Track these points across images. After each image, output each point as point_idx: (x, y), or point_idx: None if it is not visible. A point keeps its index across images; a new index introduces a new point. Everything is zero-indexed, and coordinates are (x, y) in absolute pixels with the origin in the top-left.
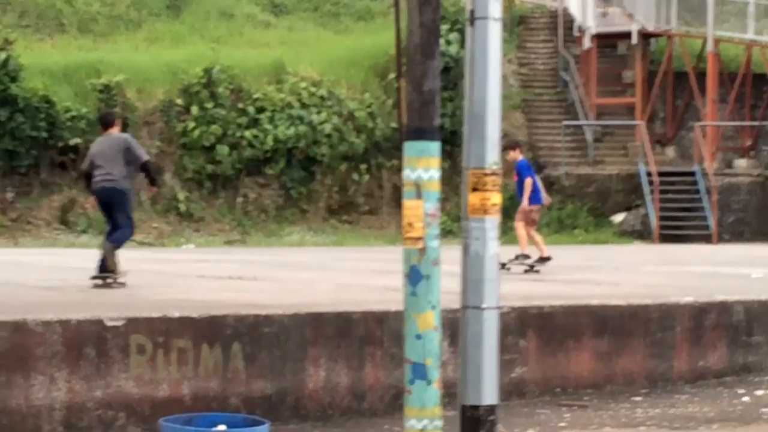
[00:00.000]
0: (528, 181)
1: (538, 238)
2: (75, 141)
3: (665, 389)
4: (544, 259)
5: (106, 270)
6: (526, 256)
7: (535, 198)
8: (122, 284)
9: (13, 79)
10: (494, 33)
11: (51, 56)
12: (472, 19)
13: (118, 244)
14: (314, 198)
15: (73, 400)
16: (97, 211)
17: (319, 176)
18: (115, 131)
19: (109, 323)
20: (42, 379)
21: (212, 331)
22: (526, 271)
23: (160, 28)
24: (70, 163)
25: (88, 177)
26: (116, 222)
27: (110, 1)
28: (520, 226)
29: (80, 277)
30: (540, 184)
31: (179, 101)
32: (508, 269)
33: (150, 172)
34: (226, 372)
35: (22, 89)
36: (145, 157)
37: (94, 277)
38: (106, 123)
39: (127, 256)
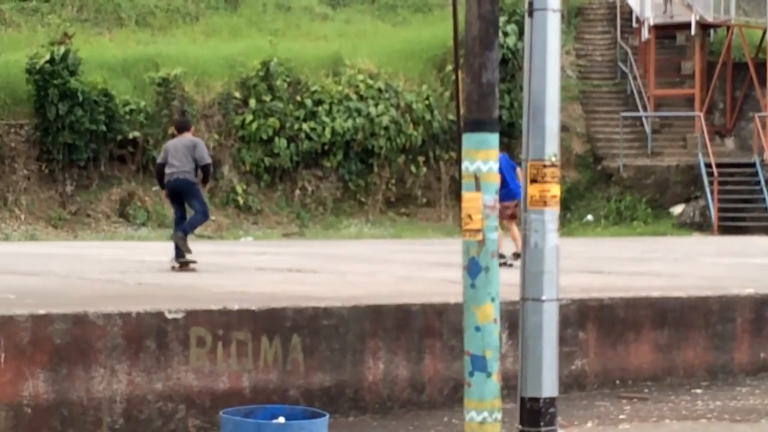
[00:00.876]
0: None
1: (517, 233)
2: (134, 134)
3: (726, 382)
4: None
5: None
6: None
7: (505, 194)
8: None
9: (72, 73)
10: (553, 24)
11: (109, 50)
12: (531, 11)
13: (191, 228)
14: (372, 190)
15: (133, 392)
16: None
17: (377, 169)
18: (188, 135)
19: (170, 316)
20: (103, 371)
21: (272, 323)
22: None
23: (218, 21)
24: (128, 156)
25: (161, 170)
26: (191, 208)
27: None
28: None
29: (140, 270)
30: (519, 178)
31: (237, 94)
32: (510, 265)
33: (207, 174)
34: (286, 364)
35: (81, 83)
36: (208, 160)
37: (178, 261)
38: (181, 127)
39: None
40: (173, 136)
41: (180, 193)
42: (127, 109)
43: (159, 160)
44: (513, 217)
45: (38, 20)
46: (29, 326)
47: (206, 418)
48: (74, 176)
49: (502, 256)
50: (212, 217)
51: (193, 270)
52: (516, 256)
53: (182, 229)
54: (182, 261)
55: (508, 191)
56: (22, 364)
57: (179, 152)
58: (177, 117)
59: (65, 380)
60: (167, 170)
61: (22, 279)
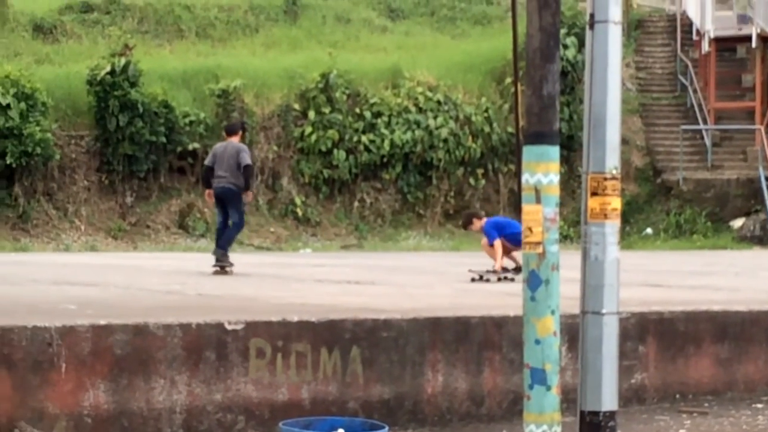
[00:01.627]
0: (497, 244)
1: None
2: (193, 146)
3: None
4: (517, 270)
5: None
6: (505, 269)
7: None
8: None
9: (133, 85)
10: (614, 36)
11: (170, 61)
12: (592, 23)
13: (229, 243)
14: (430, 203)
15: (193, 403)
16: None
17: (436, 181)
18: (235, 139)
19: (229, 327)
20: (162, 382)
21: (331, 335)
22: (499, 279)
23: (278, 33)
24: (188, 167)
25: (208, 172)
26: (229, 216)
27: (228, 6)
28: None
29: (199, 282)
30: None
31: (296, 106)
32: (512, 279)
33: (247, 177)
34: (345, 376)
35: (142, 94)
36: (247, 161)
37: (216, 266)
38: (230, 131)
39: (245, 261)
40: (223, 138)
41: (224, 201)
42: (186, 120)
43: (207, 162)
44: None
45: (99, 32)
46: (90, 337)
47: (265, 430)
48: (134, 187)
49: (505, 269)
50: (271, 229)
51: (230, 273)
52: (517, 270)
53: (221, 246)
54: (220, 264)
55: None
56: (83, 374)
57: (225, 159)
58: (228, 121)
59: (125, 391)
60: (215, 178)
61: (82, 290)
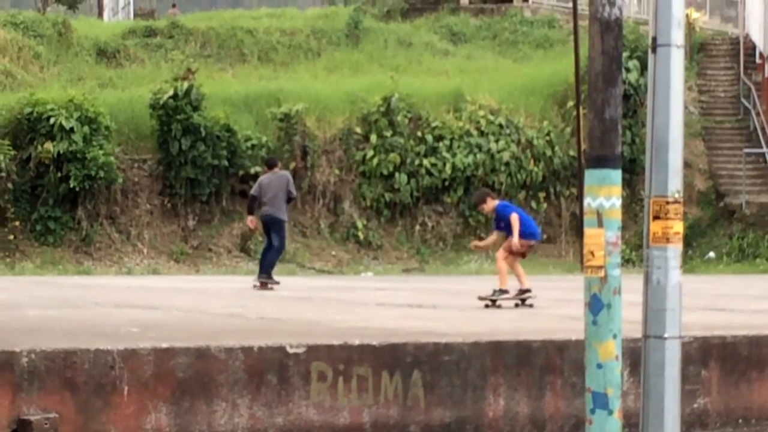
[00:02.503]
0: (514, 216)
1: (521, 270)
2: (255, 169)
3: None
4: (524, 291)
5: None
6: (504, 291)
7: (530, 233)
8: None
9: (195, 108)
10: (676, 60)
11: (232, 85)
12: (654, 47)
13: (271, 267)
14: (492, 226)
15: (254, 426)
16: (256, 230)
17: None
18: (277, 170)
19: (291, 350)
20: (224, 405)
21: (392, 358)
22: (516, 305)
23: (339, 57)
24: (250, 191)
25: (253, 200)
26: (272, 241)
27: (290, 30)
28: (501, 258)
29: (260, 305)
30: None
31: (358, 129)
32: (499, 306)
33: (290, 202)
34: (406, 400)
35: (204, 118)
36: (294, 194)
37: (259, 281)
38: (271, 164)
39: (307, 284)
40: (264, 172)
41: (271, 227)
42: (248, 144)
43: (252, 192)
44: (523, 255)
45: (162, 56)
46: (152, 359)
47: None
48: (196, 211)
49: (504, 291)
50: (333, 252)
51: (272, 289)
52: (522, 292)
53: (265, 270)
54: (263, 281)
55: (533, 230)
56: (145, 397)
57: (274, 188)
58: (267, 157)
59: (187, 414)
60: (263, 207)
61: (144, 313)
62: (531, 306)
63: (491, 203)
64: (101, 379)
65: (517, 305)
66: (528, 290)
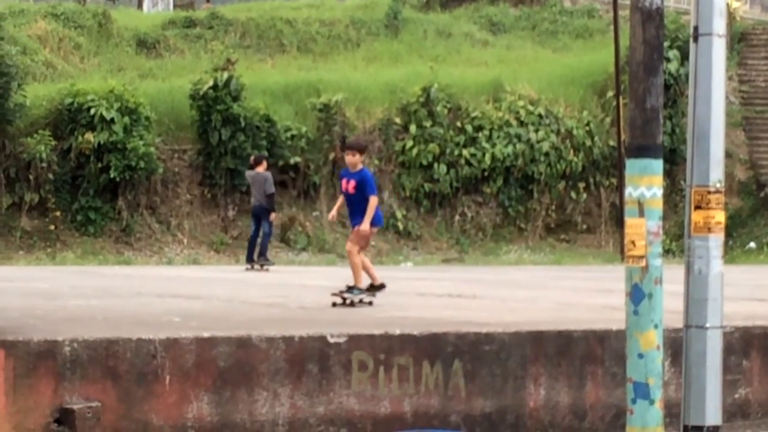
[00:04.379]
0: (373, 200)
1: (368, 263)
2: (295, 160)
3: None
4: (377, 288)
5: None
6: (362, 291)
7: (379, 218)
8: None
9: (235, 99)
10: (718, 49)
11: (271, 76)
12: (696, 36)
13: (266, 249)
14: (532, 216)
15: (295, 415)
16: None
17: (537, 194)
18: (261, 169)
19: (332, 340)
20: (265, 394)
21: (433, 348)
22: (361, 301)
23: (379, 48)
24: (290, 181)
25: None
26: (263, 227)
27: (329, 21)
28: (354, 253)
29: (301, 294)
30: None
31: (397, 120)
32: (352, 304)
33: (270, 201)
34: (447, 389)
35: (244, 108)
36: (271, 190)
37: (259, 263)
38: (257, 162)
39: (347, 274)
40: (251, 167)
41: (260, 216)
42: (288, 134)
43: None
44: (367, 245)
45: (201, 47)
46: (194, 349)
47: None
48: (236, 201)
49: (372, 288)
50: (372, 243)
51: (267, 270)
52: (374, 288)
53: (262, 254)
54: (262, 263)
55: (378, 215)
56: (187, 386)
57: (256, 185)
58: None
59: (229, 403)
60: (252, 199)
61: (185, 302)
62: (370, 304)
63: (359, 159)
64: (143, 368)
65: (371, 303)
66: (383, 285)
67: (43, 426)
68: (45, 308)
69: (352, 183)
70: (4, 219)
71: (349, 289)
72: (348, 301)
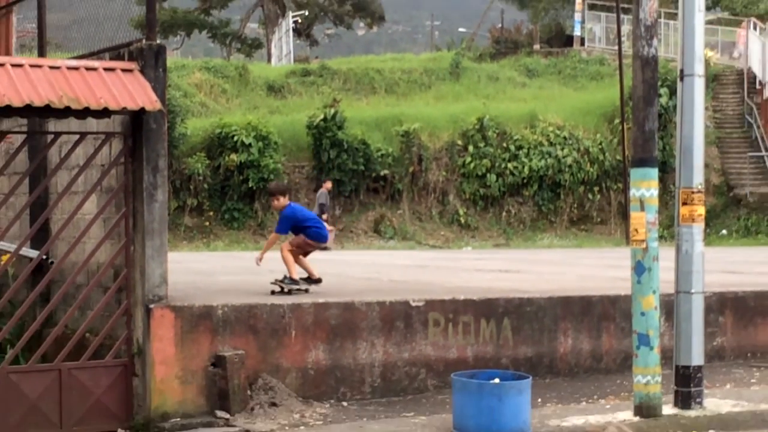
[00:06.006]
0: (272, 236)
1: (306, 262)
2: (384, 172)
3: None
4: (314, 281)
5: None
6: (294, 281)
7: (319, 235)
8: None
9: (339, 128)
10: (699, 86)
11: (366, 111)
12: (682, 76)
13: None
14: (559, 212)
15: (387, 360)
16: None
17: (563, 196)
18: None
19: (414, 303)
20: (365, 344)
21: (488, 309)
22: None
23: (444, 89)
24: (380, 188)
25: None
26: None
27: (408, 69)
28: (285, 249)
29: (390, 271)
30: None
31: (459, 142)
32: (306, 290)
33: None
34: (499, 340)
35: (346, 135)
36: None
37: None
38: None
39: (424, 256)
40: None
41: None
42: (379, 153)
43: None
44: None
45: (314, 90)
46: (312, 311)
47: (440, 380)
48: (341, 203)
49: (307, 280)
50: (442, 232)
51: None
52: (310, 280)
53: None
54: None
55: (322, 233)
56: (308, 338)
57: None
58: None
59: (338, 351)
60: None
61: None
62: (306, 291)
63: (283, 201)
64: (275, 325)
65: (307, 290)
66: (319, 280)
67: (203, 368)
68: (203, 282)
69: (284, 223)
70: (171, 218)
71: (284, 278)
72: (286, 290)
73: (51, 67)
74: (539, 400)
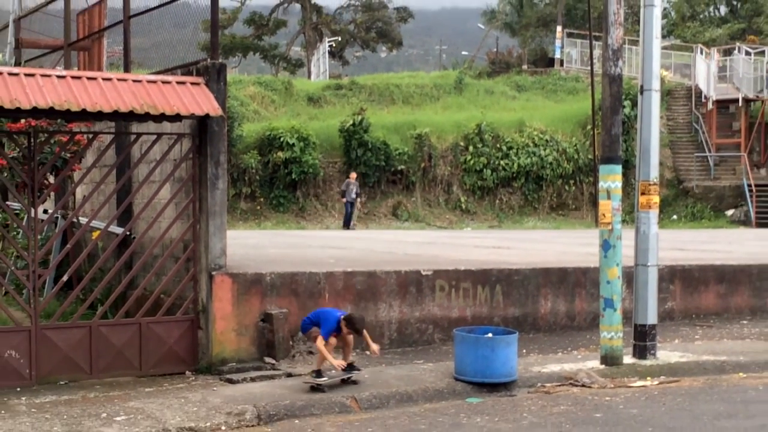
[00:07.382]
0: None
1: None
2: (400, 167)
3: (762, 317)
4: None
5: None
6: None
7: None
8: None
9: (365, 131)
10: (655, 99)
11: (386, 118)
12: (642, 91)
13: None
14: (542, 201)
15: (402, 318)
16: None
17: (545, 188)
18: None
19: (424, 272)
20: (384, 305)
21: (484, 277)
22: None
23: (450, 100)
24: (398, 180)
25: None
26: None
27: (421, 84)
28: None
29: (406, 247)
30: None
31: (461, 143)
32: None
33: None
34: (492, 302)
35: (371, 137)
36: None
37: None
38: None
39: (433, 235)
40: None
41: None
42: (397, 152)
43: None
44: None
45: (345, 101)
46: (342, 278)
47: (445, 334)
48: (366, 192)
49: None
50: (447, 216)
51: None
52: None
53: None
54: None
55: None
56: (338, 300)
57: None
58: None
59: (363, 310)
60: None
61: (337, 251)
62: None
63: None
64: (312, 289)
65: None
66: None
67: (254, 323)
68: (254, 254)
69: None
70: (230, 203)
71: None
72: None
73: (134, 81)
74: (524, 351)
